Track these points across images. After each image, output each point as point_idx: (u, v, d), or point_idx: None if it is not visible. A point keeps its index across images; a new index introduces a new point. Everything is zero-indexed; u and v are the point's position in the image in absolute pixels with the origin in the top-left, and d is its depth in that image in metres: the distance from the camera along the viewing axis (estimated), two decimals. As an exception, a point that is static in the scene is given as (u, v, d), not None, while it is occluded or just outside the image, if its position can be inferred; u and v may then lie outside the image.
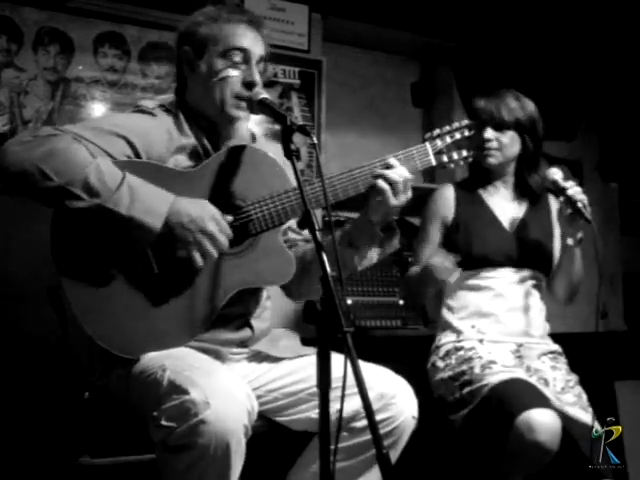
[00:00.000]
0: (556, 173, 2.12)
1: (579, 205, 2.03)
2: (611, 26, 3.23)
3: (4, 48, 2.51)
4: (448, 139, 1.75)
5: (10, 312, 2.32)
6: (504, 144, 2.22)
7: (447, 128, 1.77)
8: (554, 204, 2.39)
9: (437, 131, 1.76)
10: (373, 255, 1.74)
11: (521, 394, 1.94)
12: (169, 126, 1.68)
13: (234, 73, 1.67)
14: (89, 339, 1.55)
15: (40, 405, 2.21)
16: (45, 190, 1.46)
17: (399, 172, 1.63)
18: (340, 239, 1.73)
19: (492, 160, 2.24)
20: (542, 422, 1.85)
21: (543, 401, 1.94)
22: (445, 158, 1.75)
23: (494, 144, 2.22)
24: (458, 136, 1.76)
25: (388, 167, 1.64)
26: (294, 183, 1.62)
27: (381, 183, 1.62)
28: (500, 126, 2.21)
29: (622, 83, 3.52)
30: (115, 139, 1.59)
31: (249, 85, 1.65)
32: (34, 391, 2.25)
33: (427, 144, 1.73)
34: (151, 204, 1.49)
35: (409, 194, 1.65)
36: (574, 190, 2.06)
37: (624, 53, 3.35)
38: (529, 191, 2.31)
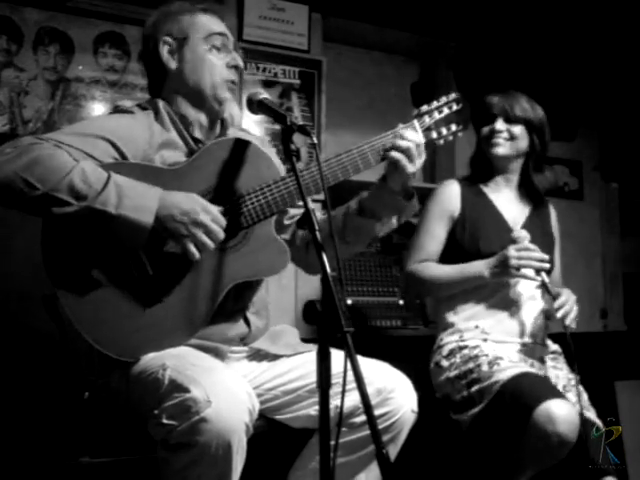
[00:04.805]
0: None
1: (564, 323, 2.03)
2: (611, 27, 3.23)
3: (4, 48, 2.51)
4: (437, 115, 1.72)
5: (10, 311, 2.32)
6: (515, 134, 2.23)
7: (435, 104, 1.74)
8: (553, 211, 2.40)
9: (425, 107, 1.73)
10: (393, 221, 1.75)
11: (535, 387, 1.93)
12: (150, 122, 1.68)
13: (219, 57, 1.72)
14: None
15: (40, 405, 2.21)
16: (31, 199, 1.45)
17: (410, 138, 1.64)
18: (358, 212, 1.74)
19: (500, 150, 2.23)
20: (561, 413, 1.84)
21: (558, 393, 1.93)
22: (434, 134, 1.72)
23: (505, 134, 2.22)
24: (447, 111, 1.73)
25: (398, 137, 1.65)
26: (282, 173, 1.66)
27: (394, 154, 1.63)
28: (511, 119, 2.23)
29: (622, 83, 3.52)
30: (98, 142, 1.58)
31: (234, 68, 1.73)
32: (34, 390, 2.25)
33: (415, 121, 1.70)
34: (140, 200, 1.48)
35: (424, 157, 1.66)
36: (562, 314, 2.03)
37: (624, 53, 3.34)
38: (532, 192, 2.31)
